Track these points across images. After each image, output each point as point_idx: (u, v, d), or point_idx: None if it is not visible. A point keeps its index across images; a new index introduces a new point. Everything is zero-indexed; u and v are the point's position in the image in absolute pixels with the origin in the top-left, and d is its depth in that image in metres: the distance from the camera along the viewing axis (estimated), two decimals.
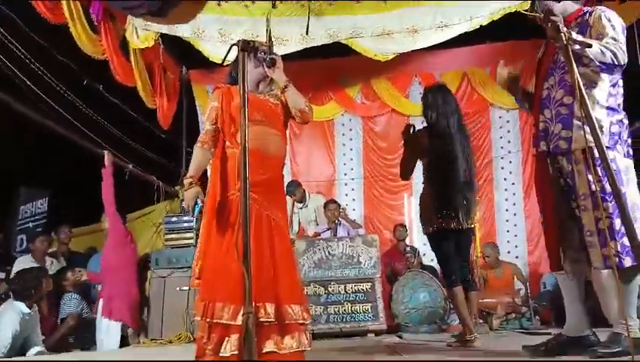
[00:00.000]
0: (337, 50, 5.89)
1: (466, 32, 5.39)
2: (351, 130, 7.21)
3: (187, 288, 4.71)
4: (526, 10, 2.41)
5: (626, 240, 2.07)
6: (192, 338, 4.59)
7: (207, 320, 2.17)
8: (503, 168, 6.76)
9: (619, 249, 2.12)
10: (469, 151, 3.50)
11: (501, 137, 6.81)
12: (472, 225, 3.55)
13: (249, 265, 1.76)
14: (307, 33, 5.22)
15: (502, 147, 6.77)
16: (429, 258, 6.51)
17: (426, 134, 3.50)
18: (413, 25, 5.35)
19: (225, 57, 2.40)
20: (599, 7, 2.41)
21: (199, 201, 2.40)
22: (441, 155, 3.37)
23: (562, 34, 2.02)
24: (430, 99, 3.54)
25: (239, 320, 2.03)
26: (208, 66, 5.80)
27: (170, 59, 6.63)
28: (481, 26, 5.26)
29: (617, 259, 2.12)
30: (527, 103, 2.68)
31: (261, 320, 2.12)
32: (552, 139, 2.36)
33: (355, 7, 5.38)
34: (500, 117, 6.81)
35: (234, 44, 2.19)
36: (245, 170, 1.90)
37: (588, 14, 2.38)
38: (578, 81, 1.93)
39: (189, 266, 4.93)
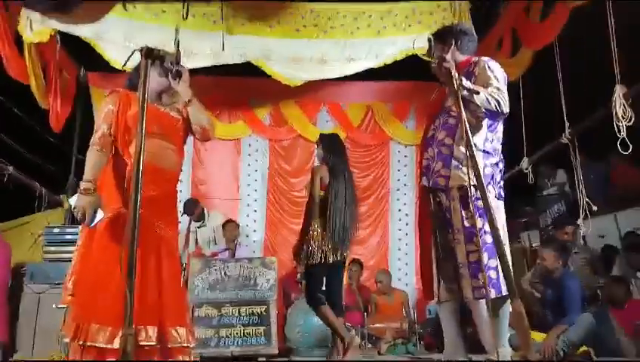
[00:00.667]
0: (249, 71, 5.89)
1: (372, 68, 5.66)
2: (257, 150, 7.19)
3: (65, 306, 4.34)
4: (423, 55, 2.57)
5: (492, 273, 2.25)
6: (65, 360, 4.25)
7: (80, 342, 2.00)
8: (398, 200, 7.10)
9: (486, 281, 2.30)
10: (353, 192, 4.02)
11: (399, 170, 7.15)
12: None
13: (132, 284, 1.67)
14: (223, 49, 5.18)
15: (399, 179, 7.11)
16: None
17: (326, 172, 3.88)
18: (322, 54, 5.53)
19: (126, 62, 2.29)
20: (483, 57, 2.64)
21: (100, 211, 2.20)
22: (338, 193, 3.77)
23: (454, 80, 2.19)
24: (328, 142, 4.12)
25: (116, 344, 1.90)
26: (108, 70, 5.50)
27: (67, 59, 6.19)
28: (385, 63, 5.55)
29: (484, 290, 2.30)
30: None
31: (142, 343, 2.00)
32: (433, 175, 2.53)
33: (266, 30, 5.44)
34: (398, 151, 7.17)
35: (137, 50, 2.11)
36: (138, 184, 1.81)
37: (474, 64, 2.60)
38: (465, 124, 2.09)
39: None
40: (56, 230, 4.87)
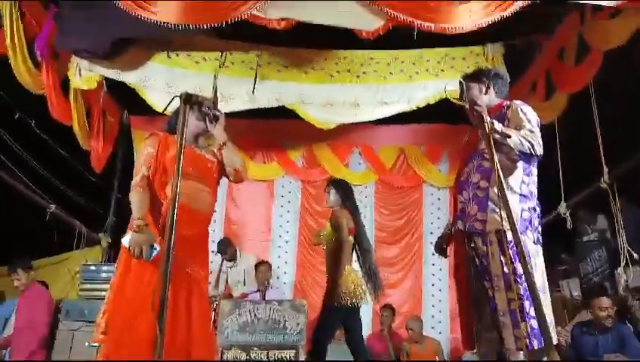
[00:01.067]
0: (283, 114, 6.04)
1: (404, 111, 5.71)
2: (290, 192, 7.25)
3: (98, 344, 4.37)
4: (455, 99, 2.58)
5: (534, 322, 2.16)
6: None
7: None
8: (431, 243, 6.95)
9: (528, 330, 2.20)
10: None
11: (432, 213, 7.06)
12: None
13: (163, 323, 1.69)
14: (253, 92, 5.34)
15: (432, 223, 7.01)
16: None
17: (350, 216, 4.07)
18: (355, 98, 5.63)
19: (166, 107, 2.40)
20: (516, 101, 2.64)
21: (156, 246, 2.25)
22: (364, 236, 4.11)
23: (485, 123, 2.19)
24: (343, 187, 4.28)
25: None
26: (150, 114, 5.74)
27: (111, 103, 6.50)
28: (418, 107, 5.60)
29: (527, 341, 2.20)
30: None
31: None
32: (469, 219, 2.49)
33: (302, 76, 5.61)
34: (431, 194, 7.10)
35: (177, 96, 2.21)
36: (172, 224, 1.85)
37: (506, 108, 2.60)
38: (497, 167, 2.08)
39: None
40: (92, 267, 4.97)
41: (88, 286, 4.86)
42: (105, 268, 4.90)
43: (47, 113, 5.30)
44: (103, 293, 4.66)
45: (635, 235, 5.11)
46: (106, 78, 5.68)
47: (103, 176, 6.68)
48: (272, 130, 7.10)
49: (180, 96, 2.16)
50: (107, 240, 6.41)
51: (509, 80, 2.82)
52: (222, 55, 5.34)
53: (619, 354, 3.79)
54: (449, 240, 2.81)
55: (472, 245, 2.48)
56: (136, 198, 2.36)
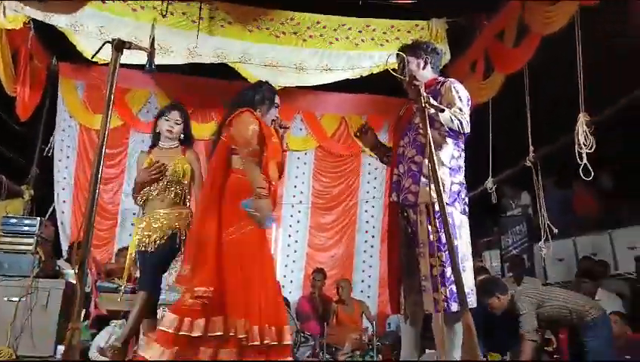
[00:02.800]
0: (224, 73, 5.88)
1: (348, 80, 5.72)
2: None
3: (17, 299, 4.19)
4: (394, 71, 2.62)
5: (454, 287, 2.29)
6: (14, 355, 4.08)
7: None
8: (366, 211, 7.15)
9: (447, 294, 2.33)
10: None
11: (368, 182, 7.22)
12: None
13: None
14: (196, 46, 5.15)
15: (367, 192, 7.18)
16: (288, 290, 6.61)
17: None
18: (300, 62, 5.57)
19: (96, 53, 2.26)
20: (450, 79, 2.72)
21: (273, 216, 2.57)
22: None
23: (422, 97, 2.24)
24: None
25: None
26: (80, 61, 5.41)
27: (40, 47, 6.05)
28: (361, 75, 5.63)
29: (446, 304, 2.33)
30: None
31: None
32: (403, 191, 2.57)
33: (246, 34, 5.46)
34: (369, 163, 7.23)
35: (108, 42, 2.09)
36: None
37: (440, 84, 2.68)
38: (429, 142, 2.14)
39: (22, 275, 4.42)
40: (13, 220, 4.69)
41: (9, 239, 4.60)
42: (27, 221, 4.63)
43: None
44: (24, 247, 4.54)
45: (556, 212, 5.49)
46: (34, 20, 5.27)
47: (28, 125, 6.26)
48: (212, 88, 6.89)
49: (112, 42, 2.04)
50: (30, 192, 6.08)
51: (442, 56, 2.89)
52: (162, 3, 5.08)
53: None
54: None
55: (405, 215, 2.57)
56: (253, 169, 2.57)
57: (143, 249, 3.05)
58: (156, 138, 3.34)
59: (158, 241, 3.03)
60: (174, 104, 3.61)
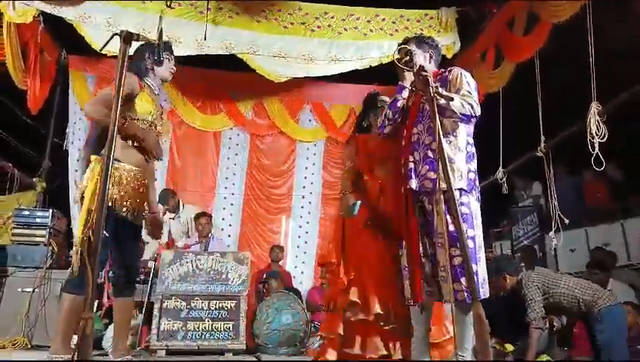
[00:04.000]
0: (233, 64, 5.87)
1: (357, 70, 5.69)
2: (237, 144, 7.16)
3: (30, 290, 4.27)
4: (401, 62, 2.60)
5: (474, 278, 2.27)
6: (29, 345, 4.17)
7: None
8: None
9: (466, 285, 2.32)
10: None
11: None
12: None
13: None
14: (205, 38, 5.14)
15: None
16: (299, 281, 6.64)
17: None
18: (308, 53, 5.55)
19: (104, 45, 2.27)
20: (456, 67, 2.71)
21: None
22: None
23: (430, 87, 2.22)
24: None
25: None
26: (89, 53, 5.44)
27: (49, 40, 6.08)
28: (370, 65, 5.59)
29: (466, 294, 2.32)
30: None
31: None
32: (419, 178, 2.54)
33: (254, 25, 5.44)
34: None
35: (117, 34, 2.08)
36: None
37: (447, 72, 2.66)
38: (439, 130, 2.13)
39: (35, 266, 4.50)
40: (26, 212, 4.77)
41: (21, 230, 4.68)
42: (39, 213, 4.72)
43: None
44: (37, 239, 4.62)
45: (567, 203, 5.44)
46: (43, 13, 5.30)
47: (40, 118, 6.32)
48: (221, 79, 6.92)
49: (120, 34, 2.04)
50: (42, 184, 6.14)
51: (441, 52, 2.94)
52: None
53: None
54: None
55: (419, 203, 2.55)
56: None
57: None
58: (150, 67, 3.00)
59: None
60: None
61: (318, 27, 5.52)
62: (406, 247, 2.58)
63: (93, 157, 2.81)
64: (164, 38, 2.53)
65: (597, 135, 3.92)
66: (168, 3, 4.94)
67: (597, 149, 3.90)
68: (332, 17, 5.51)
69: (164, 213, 5.73)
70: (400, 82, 2.72)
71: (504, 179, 5.69)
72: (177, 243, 5.81)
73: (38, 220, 4.69)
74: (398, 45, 2.67)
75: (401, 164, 2.61)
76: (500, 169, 5.70)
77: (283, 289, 5.46)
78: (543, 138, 4.94)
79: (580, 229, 5.81)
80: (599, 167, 3.88)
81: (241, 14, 5.39)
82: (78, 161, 6.45)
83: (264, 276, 5.79)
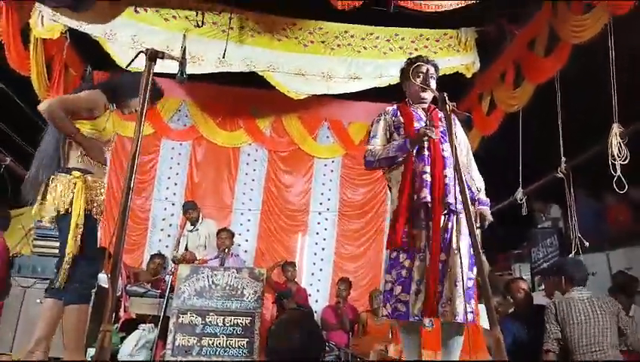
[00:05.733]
0: (253, 81, 5.96)
1: (375, 88, 5.72)
2: (256, 160, 7.23)
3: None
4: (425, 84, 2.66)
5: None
6: (46, 358, 4.18)
7: None
8: None
9: (473, 308, 2.31)
10: None
11: None
12: None
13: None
14: (224, 56, 5.24)
15: None
16: (314, 299, 6.60)
17: None
18: (328, 70, 5.61)
19: (130, 62, 2.31)
20: None
21: None
22: None
23: (448, 105, 2.24)
24: None
25: None
26: (114, 69, 5.55)
27: (75, 56, 6.25)
28: (389, 84, 5.62)
29: (472, 316, 2.31)
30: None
31: None
32: (447, 194, 2.52)
33: (274, 43, 5.53)
34: None
35: (142, 52, 2.14)
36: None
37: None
38: (455, 148, 2.13)
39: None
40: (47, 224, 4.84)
41: (42, 242, 4.75)
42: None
43: (5, 63, 5.06)
44: (57, 250, 4.65)
45: (587, 225, 5.34)
46: (70, 30, 5.46)
47: None
48: (241, 97, 7.02)
49: (146, 52, 2.09)
50: None
51: None
52: (197, 14, 5.20)
53: None
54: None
55: (444, 219, 2.53)
56: None
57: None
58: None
59: None
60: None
61: (338, 45, 5.59)
62: (422, 261, 2.50)
63: (63, 176, 2.79)
64: (187, 58, 2.57)
65: (619, 157, 3.86)
66: (197, 22, 5.05)
67: (619, 171, 3.85)
68: (352, 36, 5.58)
69: (184, 226, 5.78)
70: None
71: (524, 200, 5.62)
72: (196, 256, 5.83)
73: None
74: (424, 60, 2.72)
75: (416, 175, 2.57)
76: (520, 190, 5.64)
77: (297, 306, 5.44)
78: (563, 159, 4.89)
79: (601, 253, 5.68)
80: (621, 190, 3.81)
81: (262, 33, 5.49)
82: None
83: (276, 295, 5.76)
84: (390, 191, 2.69)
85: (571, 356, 3.46)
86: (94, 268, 3.05)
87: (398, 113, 2.73)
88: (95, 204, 2.86)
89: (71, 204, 2.75)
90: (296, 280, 6.29)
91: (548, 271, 5.96)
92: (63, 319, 2.82)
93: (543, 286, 5.58)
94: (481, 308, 3.73)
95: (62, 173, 2.82)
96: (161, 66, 2.56)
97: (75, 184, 2.76)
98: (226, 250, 5.65)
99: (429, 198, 2.51)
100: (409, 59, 2.85)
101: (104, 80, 2.85)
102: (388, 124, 2.73)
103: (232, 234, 5.90)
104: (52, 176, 2.83)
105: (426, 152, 2.60)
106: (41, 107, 2.72)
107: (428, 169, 2.56)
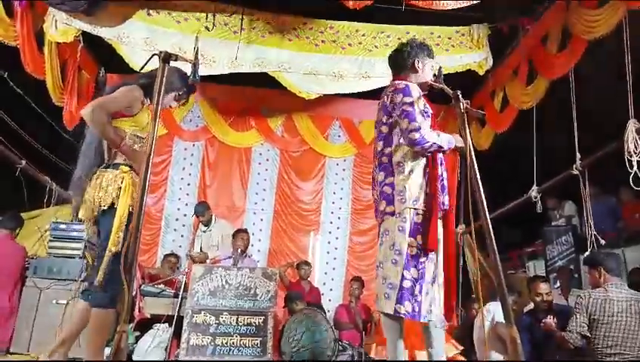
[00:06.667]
0: (264, 81, 5.97)
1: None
2: (268, 160, 7.25)
3: (65, 302, 4.37)
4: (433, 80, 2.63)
5: None
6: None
7: None
8: None
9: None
10: None
11: None
12: None
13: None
14: (236, 57, 5.26)
15: None
16: (327, 298, 6.60)
17: None
18: (339, 70, 5.60)
19: (144, 65, 2.34)
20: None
21: None
22: None
23: (461, 102, 2.23)
24: None
25: None
26: (127, 72, 5.59)
27: (88, 59, 6.32)
28: None
29: None
30: None
31: None
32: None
33: (285, 43, 5.54)
34: None
35: (156, 54, 2.16)
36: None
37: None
38: (470, 148, 2.12)
39: (71, 279, 4.60)
40: (62, 226, 4.90)
41: (58, 243, 4.80)
42: (75, 226, 4.83)
43: (21, 66, 5.12)
44: (73, 251, 4.73)
45: (603, 222, 5.27)
46: (83, 33, 5.51)
47: (77, 134, 6.51)
48: (252, 97, 7.05)
49: (159, 55, 2.11)
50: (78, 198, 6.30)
51: None
52: (207, 17, 5.22)
53: None
54: None
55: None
56: None
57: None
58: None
59: None
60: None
61: (349, 45, 5.57)
62: (431, 263, 2.50)
63: (110, 171, 2.75)
64: (200, 59, 2.57)
65: (635, 153, 3.81)
66: (208, 24, 5.07)
67: (635, 168, 3.79)
68: (363, 35, 5.55)
69: (197, 226, 5.81)
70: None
71: (538, 197, 5.56)
72: (209, 255, 5.86)
73: (74, 233, 4.80)
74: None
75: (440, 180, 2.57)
76: (535, 187, 5.58)
77: (309, 306, 5.44)
78: (578, 156, 4.83)
79: (616, 250, 5.61)
80: (637, 186, 3.76)
81: (273, 33, 5.49)
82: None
83: (286, 297, 5.75)
84: (395, 180, 2.54)
85: (592, 354, 3.43)
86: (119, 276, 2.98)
87: (424, 100, 2.63)
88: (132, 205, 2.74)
89: (116, 198, 2.69)
90: (309, 279, 6.30)
91: (564, 268, 5.91)
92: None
93: (558, 284, 5.52)
94: (497, 305, 3.74)
95: (108, 169, 2.77)
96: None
97: (122, 179, 2.71)
98: (240, 251, 5.67)
99: (447, 204, 2.57)
100: (426, 45, 2.79)
101: (143, 75, 2.77)
102: (420, 109, 2.57)
103: (249, 236, 5.92)
104: (97, 172, 2.77)
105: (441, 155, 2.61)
106: (84, 112, 2.68)
107: (445, 174, 2.60)
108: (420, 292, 2.43)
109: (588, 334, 3.45)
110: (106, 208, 2.68)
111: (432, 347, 2.49)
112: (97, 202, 2.70)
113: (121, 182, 2.72)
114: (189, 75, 2.46)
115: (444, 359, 2.50)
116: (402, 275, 2.40)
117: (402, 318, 2.45)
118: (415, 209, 2.46)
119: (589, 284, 3.65)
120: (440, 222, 2.53)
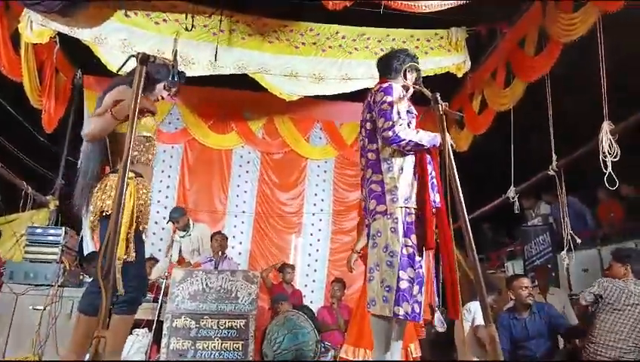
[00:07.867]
0: (244, 84, 5.94)
1: (367, 89, 5.71)
2: (249, 162, 7.22)
3: (42, 308, 4.28)
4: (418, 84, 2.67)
5: None
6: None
7: None
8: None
9: None
10: None
11: None
12: None
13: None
14: (215, 59, 5.23)
15: None
16: (308, 299, 6.59)
17: None
18: (319, 72, 5.61)
19: (121, 67, 2.31)
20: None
21: None
22: None
23: (440, 105, 2.25)
24: None
25: None
26: (104, 74, 5.51)
27: (65, 61, 6.21)
28: None
29: None
30: None
31: None
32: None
33: (266, 45, 5.53)
34: None
35: (133, 56, 2.14)
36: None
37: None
38: (448, 149, 2.14)
39: (48, 284, 4.51)
40: (39, 230, 4.79)
41: (34, 248, 4.70)
42: (52, 231, 4.74)
43: None
44: (49, 256, 4.64)
45: (579, 222, 5.37)
46: (60, 34, 5.42)
47: (54, 137, 6.40)
48: (232, 99, 7.01)
49: (137, 56, 2.08)
50: (55, 202, 6.20)
51: None
52: (186, 17, 5.18)
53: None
54: None
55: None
56: None
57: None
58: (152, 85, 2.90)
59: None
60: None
61: (330, 47, 5.59)
62: (444, 264, 2.48)
63: (114, 176, 2.67)
64: (179, 60, 2.55)
65: (609, 154, 3.90)
66: (188, 27, 5.03)
67: (609, 168, 3.88)
68: (343, 37, 5.58)
69: (174, 231, 5.75)
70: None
71: (516, 198, 5.65)
72: (188, 261, 5.81)
73: (50, 238, 4.70)
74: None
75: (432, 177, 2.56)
76: (512, 188, 5.66)
77: (293, 308, 5.43)
78: (554, 156, 4.92)
79: (593, 249, 5.72)
80: (612, 186, 3.85)
81: (253, 35, 5.48)
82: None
83: (272, 299, 5.75)
84: (384, 178, 2.54)
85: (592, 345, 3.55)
86: (142, 281, 2.89)
87: (409, 101, 2.66)
88: (141, 211, 2.74)
89: None
90: (292, 282, 6.29)
91: (543, 267, 5.99)
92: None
93: (536, 283, 5.60)
94: (477, 305, 3.79)
95: (110, 174, 2.70)
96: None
97: (127, 185, 2.53)
98: (220, 253, 5.64)
99: (438, 202, 2.53)
100: (408, 52, 2.84)
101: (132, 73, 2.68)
102: (405, 108, 2.60)
103: (226, 238, 5.90)
104: (102, 179, 2.72)
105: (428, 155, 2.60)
106: (84, 131, 2.64)
107: (434, 172, 2.59)
108: (420, 292, 2.44)
109: (602, 294, 3.58)
110: (109, 213, 2.58)
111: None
112: (100, 207, 2.65)
113: (125, 189, 2.66)
114: (169, 77, 2.45)
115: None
116: (398, 277, 2.38)
117: (402, 320, 2.42)
118: (407, 208, 2.45)
119: (610, 276, 3.76)
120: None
